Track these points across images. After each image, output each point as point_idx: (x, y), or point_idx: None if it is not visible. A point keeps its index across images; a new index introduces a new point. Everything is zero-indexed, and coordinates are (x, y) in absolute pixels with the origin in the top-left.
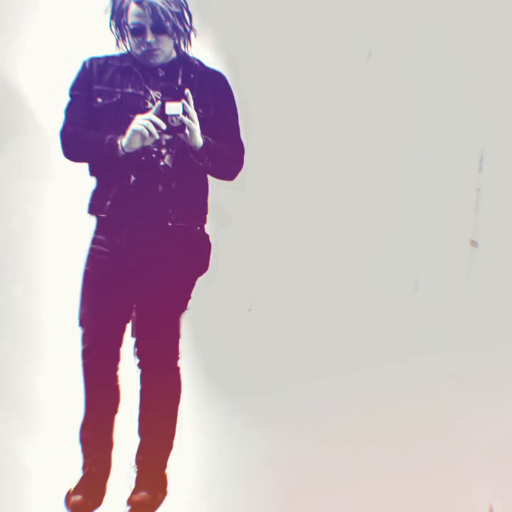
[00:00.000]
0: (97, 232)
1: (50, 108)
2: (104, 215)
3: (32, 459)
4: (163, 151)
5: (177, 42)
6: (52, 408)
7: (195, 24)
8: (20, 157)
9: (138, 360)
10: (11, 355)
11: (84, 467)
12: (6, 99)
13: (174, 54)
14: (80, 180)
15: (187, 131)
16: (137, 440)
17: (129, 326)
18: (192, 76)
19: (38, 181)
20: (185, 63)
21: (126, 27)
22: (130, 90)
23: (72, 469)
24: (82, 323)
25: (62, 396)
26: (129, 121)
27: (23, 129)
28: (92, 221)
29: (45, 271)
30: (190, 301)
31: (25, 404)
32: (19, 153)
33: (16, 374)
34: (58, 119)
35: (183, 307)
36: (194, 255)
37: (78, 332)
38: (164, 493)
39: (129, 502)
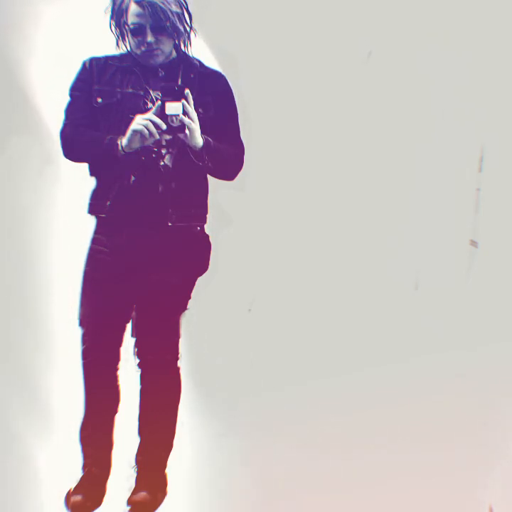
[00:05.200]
0: (96, 232)
1: (50, 108)
2: (104, 215)
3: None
4: (163, 151)
5: (177, 42)
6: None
7: (195, 24)
8: (19, 156)
9: (138, 360)
10: (11, 355)
11: (84, 467)
12: (6, 98)
13: (174, 54)
14: (79, 180)
15: (187, 131)
16: (137, 440)
17: (129, 326)
18: (192, 76)
19: (38, 181)
20: (185, 63)
21: (126, 27)
22: (130, 90)
23: (72, 469)
24: (82, 323)
25: (68, 396)
26: (129, 121)
27: (23, 129)
28: (92, 221)
29: (44, 271)
30: (190, 301)
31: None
32: (19, 152)
33: (15, 374)
34: (58, 119)
35: (183, 307)
36: (194, 255)
37: (78, 332)
38: (164, 493)
39: (129, 502)
